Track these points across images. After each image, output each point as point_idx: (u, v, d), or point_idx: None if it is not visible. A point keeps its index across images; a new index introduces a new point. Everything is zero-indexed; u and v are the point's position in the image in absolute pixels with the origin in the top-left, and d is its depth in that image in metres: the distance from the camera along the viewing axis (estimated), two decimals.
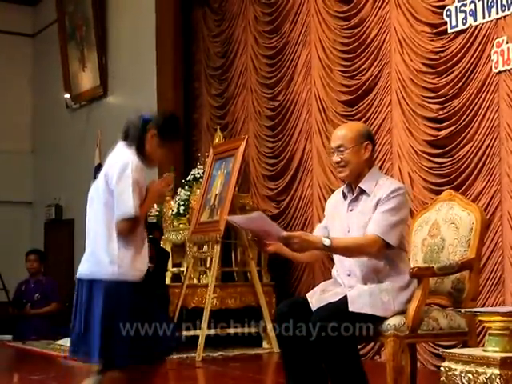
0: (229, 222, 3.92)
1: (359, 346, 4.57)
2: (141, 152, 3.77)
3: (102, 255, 3.67)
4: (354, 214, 3.89)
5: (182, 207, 8.05)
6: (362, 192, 3.89)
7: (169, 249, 8.02)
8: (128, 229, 3.66)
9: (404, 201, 3.85)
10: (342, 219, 3.92)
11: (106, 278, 3.65)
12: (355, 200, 3.91)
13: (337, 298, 3.77)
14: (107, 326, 3.60)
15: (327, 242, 3.71)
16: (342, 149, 3.88)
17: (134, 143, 3.80)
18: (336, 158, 3.90)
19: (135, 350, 3.62)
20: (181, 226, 8.08)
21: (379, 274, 3.82)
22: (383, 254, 3.80)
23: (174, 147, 4.01)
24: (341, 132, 3.96)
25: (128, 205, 3.62)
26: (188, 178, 8.28)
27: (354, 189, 3.93)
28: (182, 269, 7.95)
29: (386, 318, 3.75)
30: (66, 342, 7.92)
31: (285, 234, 3.73)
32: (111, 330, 3.59)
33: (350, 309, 3.67)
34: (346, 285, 3.87)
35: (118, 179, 3.66)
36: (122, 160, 3.71)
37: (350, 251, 3.81)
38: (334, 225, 3.97)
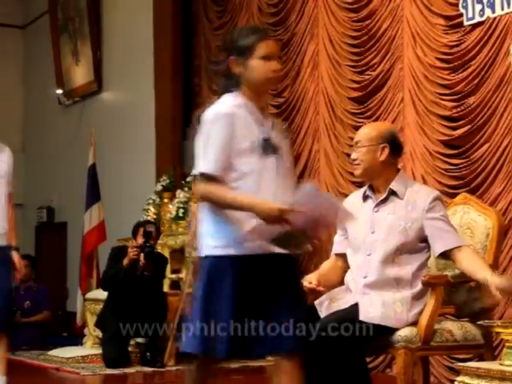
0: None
1: (369, 359, 4.58)
2: (239, 88, 3.19)
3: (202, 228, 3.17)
4: (380, 215, 3.93)
5: (182, 210, 8.06)
6: (392, 193, 3.95)
7: (166, 254, 8.02)
8: (203, 191, 3.11)
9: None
10: (366, 220, 3.95)
11: (201, 254, 3.15)
12: (384, 201, 3.96)
13: (347, 306, 3.79)
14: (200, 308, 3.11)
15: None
16: (358, 145, 4.02)
17: (227, 88, 3.21)
18: (353, 154, 4.05)
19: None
20: (180, 230, 8.07)
21: (400, 282, 3.84)
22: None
23: (271, 47, 3.22)
24: (364, 130, 4.12)
25: (208, 158, 3.08)
26: (188, 179, 8.29)
27: (379, 190, 3.98)
28: (180, 275, 7.95)
29: (397, 329, 3.76)
30: (58, 352, 7.93)
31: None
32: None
33: (361, 317, 3.70)
34: (360, 284, 3.87)
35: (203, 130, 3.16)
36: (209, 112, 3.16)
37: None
38: (356, 227, 3.98)
